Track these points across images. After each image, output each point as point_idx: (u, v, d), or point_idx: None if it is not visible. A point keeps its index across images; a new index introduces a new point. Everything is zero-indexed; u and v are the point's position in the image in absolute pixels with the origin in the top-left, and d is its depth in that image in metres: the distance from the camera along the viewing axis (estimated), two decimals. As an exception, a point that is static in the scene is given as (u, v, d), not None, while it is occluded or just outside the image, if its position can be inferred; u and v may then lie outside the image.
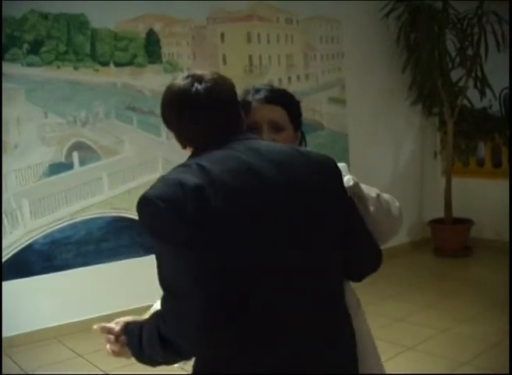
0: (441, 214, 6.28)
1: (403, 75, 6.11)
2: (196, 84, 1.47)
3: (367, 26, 5.95)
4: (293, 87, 5.67)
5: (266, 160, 1.43)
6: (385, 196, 1.73)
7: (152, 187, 1.39)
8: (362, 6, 5.84)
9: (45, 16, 4.42)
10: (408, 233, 6.53)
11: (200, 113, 1.48)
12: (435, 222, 6.34)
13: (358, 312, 1.78)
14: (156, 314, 1.42)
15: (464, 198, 6.24)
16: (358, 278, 1.70)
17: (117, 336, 1.53)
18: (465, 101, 6.14)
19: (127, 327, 1.53)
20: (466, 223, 6.18)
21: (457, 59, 6.06)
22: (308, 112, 5.84)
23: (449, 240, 6.17)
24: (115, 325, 1.55)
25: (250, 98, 1.74)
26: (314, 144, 5.82)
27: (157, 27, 4.97)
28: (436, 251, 6.23)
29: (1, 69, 4.20)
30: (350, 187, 1.60)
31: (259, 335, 1.40)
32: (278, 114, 1.72)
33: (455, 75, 6.12)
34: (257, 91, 1.76)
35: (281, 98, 1.75)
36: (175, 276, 1.35)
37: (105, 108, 4.78)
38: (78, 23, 4.57)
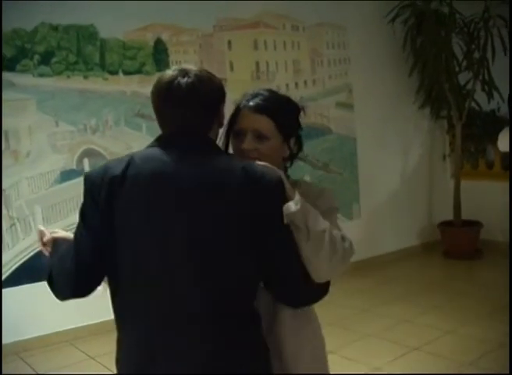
0: (450, 216, 6.31)
1: (410, 79, 6.16)
2: (179, 78, 1.60)
3: (373, 32, 6.01)
4: (300, 93, 5.76)
5: (188, 171, 1.57)
6: (336, 234, 1.64)
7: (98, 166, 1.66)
8: (368, 12, 5.91)
9: (55, 28, 4.54)
10: (418, 236, 6.57)
11: (172, 107, 1.61)
12: (444, 224, 6.37)
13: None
14: (67, 251, 1.69)
15: (473, 200, 6.26)
16: (291, 305, 1.74)
17: (43, 243, 1.91)
18: (473, 104, 6.17)
19: (56, 241, 1.83)
20: (475, 225, 6.20)
21: (464, 63, 6.10)
22: (316, 116, 5.92)
23: (458, 242, 6.20)
24: (49, 234, 1.88)
25: (242, 103, 1.80)
26: (322, 148, 5.93)
27: (164, 36, 5.07)
28: (446, 253, 6.26)
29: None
30: (286, 215, 1.58)
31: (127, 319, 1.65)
32: (263, 124, 1.74)
33: (462, 78, 6.16)
34: (254, 96, 1.80)
35: (270, 109, 1.76)
36: (75, 236, 1.68)
37: (115, 115, 4.89)
38: (87, 33, 4.69)
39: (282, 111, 1.80)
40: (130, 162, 1.59)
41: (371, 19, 5.94)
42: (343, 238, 1.65)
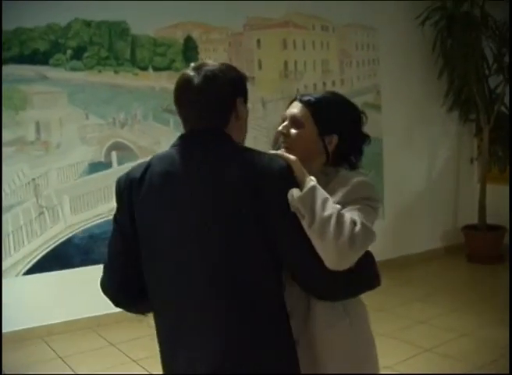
0: (475, 220, 6.28)
1: (439, 81, 6.16)
2: (190, 80, 1.62)
3: (403, 33, 6.01)
4: (327, 93, 5.80)
5: (197, 170, 1.59)
6: (346, 218, 1.56)
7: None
8: (398, 13, 5.92)
9: (88, 24, 4.69)
10: (442, 239, 6.56)
11: (185, 109, 1.66)
12: (468, 228, 6.34)
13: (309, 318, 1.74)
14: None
15: (499, 204, 6.22)
16: (319, 297, 1.69)
17: None
18: (502, 108, 6.13)
19: None
20: (499, 230, 6.16)
21: (495, 66, 6.06)
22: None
23: (481, 246, 6.17)
24: None
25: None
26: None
27: (195, 34, 5.18)
28: (469, 257, 6.23)
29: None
30: (290, 201, 1.54)
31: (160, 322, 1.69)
32: (299, 111, 1.80)
33: (493, 81, 6.13)
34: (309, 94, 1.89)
35: (311, 100, 1.81)
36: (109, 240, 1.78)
37: (143, 110, 5.02)
38: (119, 29, 4.82)
39: (323, 104, 1.81)
40: (150, 164, 1.65)
41: (401, 20, 5.95)
42: (354, 222, 1.56)
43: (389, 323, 4.61)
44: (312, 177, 1.60)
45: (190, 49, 5.17)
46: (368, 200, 1.65)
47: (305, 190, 1.55)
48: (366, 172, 6.21)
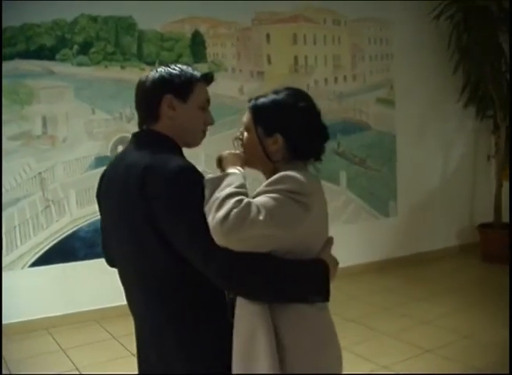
0: (491, 219, 6.16)
1: (455, 77, 6.04)
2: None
3: (417, 27, 5.90)
4: (339, 88, 5.76)
5: (117, 169, 1.74)
6: (233, 198, 1.47)
7: None
8: (412, 7, 5.81)
9: (95, 19, 4.72)
10: (456, 237, 6.46)
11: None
12: (483, 226, 6.22)
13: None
14: None
15: (515, 203, 6.09)
16: (224, 288, 1.61)
17: None
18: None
19: None
20: (515, 228, 6.03)
21: (513, 61, 5.93)
22: (355, 112, 5.89)
23: (496, 245, 6.03)
24: None
25: None
26: (359, 144, 5.91)
27: (202, 29, 5.16)
28: (483, 256, 6.11)
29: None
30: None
31: None
32: (246, 117, 1.79)
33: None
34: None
35: (252, 105, 1.80)
36: None
37: (150, 105, 5.02)
38: (126, 24, 4.84)
39: (261, 106, 1.76)
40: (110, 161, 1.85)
41: (415, 14, 5.84)
42: (249, 204, 1.47)
43: (393, 322, 4.56)
44: (238, 169, 1.62)
45: (197, 44, 5.17)
46: (288, 192, 1.54)
47: (217, 175, 1.58)
48: (378, 168, 6.02)
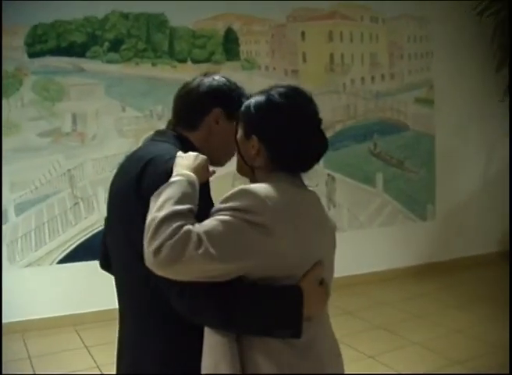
0: (535, 224, 5.91)
1: (498, 75, 5.79)
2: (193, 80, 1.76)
3: (458, 25, 5.69)
4: (376, 87, 5.61)
5: (128, 161, 1.67)
6: (168, 224, 1.30)
7: None
8: (454, 4, 5.59)
9: (126, 16, 4.69)
10: (496, 243, 6.21)
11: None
12: (526, 232, 5.97)
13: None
14: None
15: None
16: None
17: None
18: None
19: None
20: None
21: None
22: (392, 112, 5.73)
23: (538, 253, 5.79)
24: None
25: None
26: (397, 144, 5.74)
27: (236, 26, 5.09)
28: (525, 263, 5.86)
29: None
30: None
31: None
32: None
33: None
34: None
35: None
36: None
37: (182, 102, 4.97)
38: (157, 22, 4.80)
39: (244, 107, 1.58)
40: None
41: (456, 11, 5.62)
42: (190, 233, 1.29)
43: (423, 330, 4.40)
44: (185, 174, 1.42)
45: (230, 41, 5.09)
46: (242, 212, 1.35)
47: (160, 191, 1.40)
48: (416, 170, 5.82)
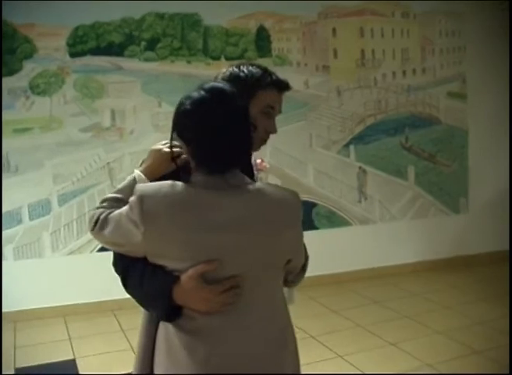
0: None
1: (532, 69, 5.79)
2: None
3: (490, 18, 5.71)
4: (407, 81, 5.69)
5: None
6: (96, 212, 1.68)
7: None
8: (486, -2, 5.62)
9: (161, 16, 4.91)
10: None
11: None
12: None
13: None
14: None
15: None
16: None
17: None
18: None
19: None
20: None
21: None
22: (424, 106, 5.79)
23: None
24: None
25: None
26: (429, 138, 5.81)
27: (267, 24, 5.25)
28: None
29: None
30: None
31: None
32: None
33: None
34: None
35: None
36: None
37: (216, 99, 5.16)
38: (192, 21, 5.01)
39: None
40: None
41: (487, 4, 5.64)
42: (102, 216, 1.63)
43: (449, 321, 4.49)
44: (135, 172, 1.76)
45: (262, 39, 5.26)
46: (128, 206, 1.55)
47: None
48: (449, 163, 5.82)
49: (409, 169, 5.79)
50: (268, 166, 1.87)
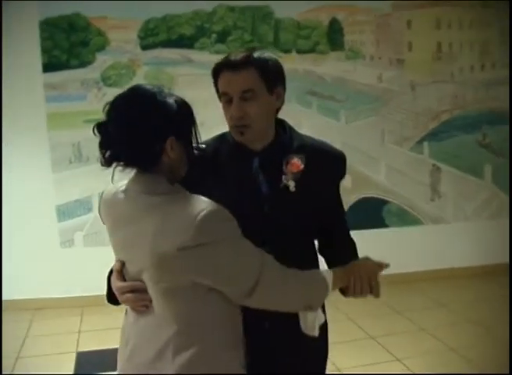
0: None
1: None
2: None
3: None
4: (487, 75, 5.47)
5: None
6: None
7: None
8: None
9: (232, 9, 4.91)
10: None
11: None
12: None
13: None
14: None
15: None
16: None
17: None
18: None
19: None
20: None
21: None
22: (503, 101, 5.52)
23: None
24: None
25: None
26: (508, 136, 5.52)
27: (340, 16, 5.15)
28: None
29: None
30: None
31: None
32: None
33: None
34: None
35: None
36: None
37: (286, 92, 5.10)
38: (262, 13, 4.98)
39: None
40: None
41: None
42: None
43: None
44: None
45: (334, 32, 5.16)
46: None
47: None
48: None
49: (486, 167, 5.54)
50: (301, 166, 1.76)
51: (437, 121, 5.36)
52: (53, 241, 4.81)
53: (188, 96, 5.29)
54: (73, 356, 3.87)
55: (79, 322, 4.49)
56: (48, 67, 4.71)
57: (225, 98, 1.80)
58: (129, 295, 1.56)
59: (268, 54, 1.78)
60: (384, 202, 5.39)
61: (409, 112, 5.35)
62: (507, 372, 3.36)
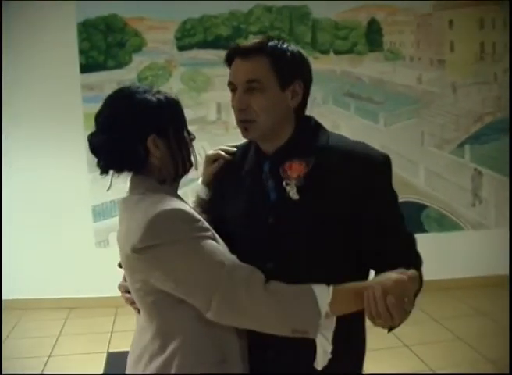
0: None
1: None
2: None
3: None
4: (532, 77, 5.26)
5: None
6: None
7: None
8: None
9: (269, 9, 4.86)
10: None
11: None
12: None
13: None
14: None
15: None
16: None
17: None
18: None
19: None
20: None
21: None
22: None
23: None
24: None
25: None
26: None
27: (379, 16, 5.05)
28: None
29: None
30: None
31: None
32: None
33: None
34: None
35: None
36: None
37: (323, 93, 5.05)
38: (300, 14, 4.92)
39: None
40: None
41: None
42: None
43: None
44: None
45: (373, 32, 5.06)
46: None
47: None
48: None
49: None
50: (304, 170, 1.51)
51: (479, 124, 5.21)
52: (88, 241, 4.85)
53: (224, 97, 5.25)
54: (104, 356, 3.88)
55: (112, 322, 4.51)
56: (86, 68, 4.75)
57: (231, 88, 1.63)
58: (127, 295, 1.57)
59: (289, 45, 1.56)
60: (423, 207, 5.26)
61: (450, 115, 5.22)
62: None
